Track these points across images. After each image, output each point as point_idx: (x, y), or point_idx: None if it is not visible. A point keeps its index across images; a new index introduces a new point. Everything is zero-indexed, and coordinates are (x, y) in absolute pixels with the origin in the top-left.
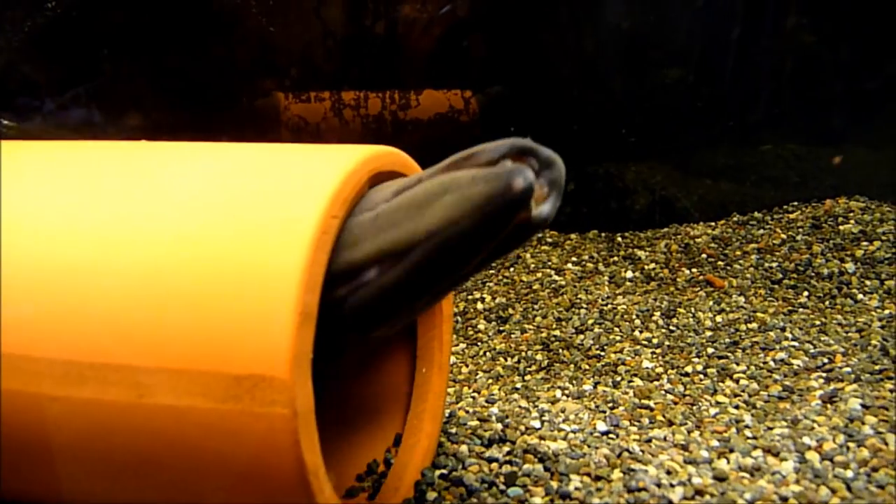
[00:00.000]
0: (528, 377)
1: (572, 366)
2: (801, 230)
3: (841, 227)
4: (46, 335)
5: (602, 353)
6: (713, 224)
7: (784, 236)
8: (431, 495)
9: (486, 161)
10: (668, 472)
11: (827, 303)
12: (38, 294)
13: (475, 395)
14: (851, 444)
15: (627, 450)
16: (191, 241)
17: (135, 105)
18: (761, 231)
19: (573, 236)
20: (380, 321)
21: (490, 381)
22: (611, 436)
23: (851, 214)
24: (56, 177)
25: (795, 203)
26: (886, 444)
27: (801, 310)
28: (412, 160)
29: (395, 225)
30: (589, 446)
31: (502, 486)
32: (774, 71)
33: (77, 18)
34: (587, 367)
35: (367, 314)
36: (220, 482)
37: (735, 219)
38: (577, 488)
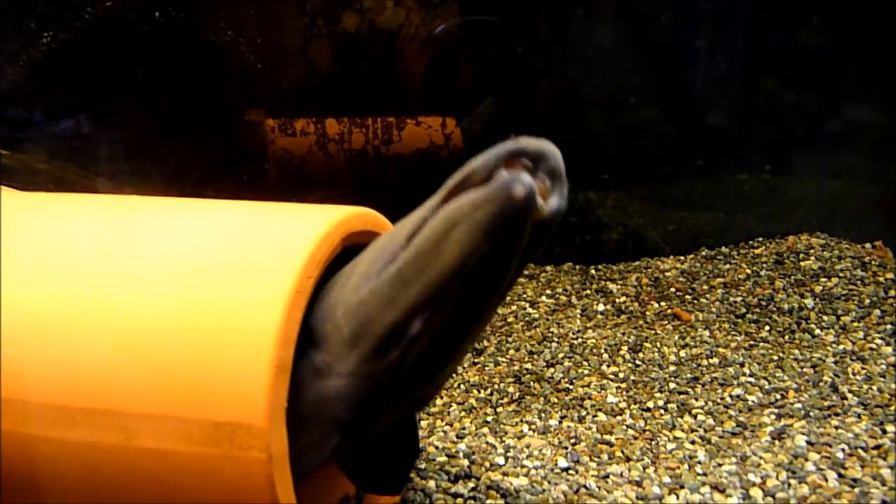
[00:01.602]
0: (499, 409)
1: (542, 398)
2: (764, 265)
3: (802, 264)
4: (41, 382)
5: (570, 387)
6: (682, 258)
7: (749, 271)
8: None
9: (481, 179)
10: None
11: (786, 337)
12: (35, 344)
13: (447, 428)
14: (793, 481)
15: (585, 486)
16: (176, 299)
17: (128, 135)
18: (727, 266)
19: (549, 268)
20: (441, 365)
21: (463, 413)
22: (570, 472)
23: (812, 251)
24: (50, 233)
25: (761, 238)
26: (826, 480)
27: (761, 344)
28: (384, 218)
29: (421, 272)
30: (549, 482)
31: None
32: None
33: (71, 51)
34: (556, 400)
35: (427, 364)
36: None
37: (703, 253)
38: None
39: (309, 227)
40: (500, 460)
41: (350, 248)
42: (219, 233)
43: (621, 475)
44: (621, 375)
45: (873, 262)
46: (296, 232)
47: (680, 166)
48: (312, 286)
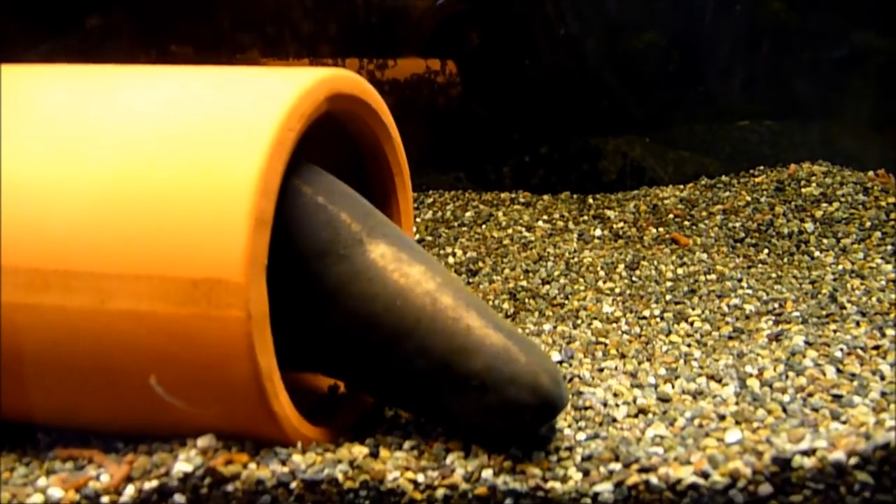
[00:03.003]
0: None
1: (537, 312)
2: (765, 192)
3: (803, 190)
4: (11, 244)
5: (566, 302)
6: (682, 187)
7: (749, 198)
8: (388, 413)
9: None
10: (615, 395)
11: (785, 259)
12: (3, 206)
13: None
14: (791, 374)
15: (578, 376)
16: (149, 151)
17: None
18: (727, 193)
19: (545, 197)
20: None
21: None
22: (564, 364)
23: (814, 178)
24: (19, 97)
25: (761, 168)
26: (824, 374)
27: (759, 265)
28: (369, 86)
29: None
30: None
31: None
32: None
33: None
34: (550, 313)
35: None
36: (179, 386)
37: (703, 182)
38: None
39: (291, 81)
40: None
41: (339, 124)
42: (199, 89)
43: (616, 368)
44: (617, 290)
45: (875, 188)
46: (278, 86)
47: (681, 109)
48: (295, 139)
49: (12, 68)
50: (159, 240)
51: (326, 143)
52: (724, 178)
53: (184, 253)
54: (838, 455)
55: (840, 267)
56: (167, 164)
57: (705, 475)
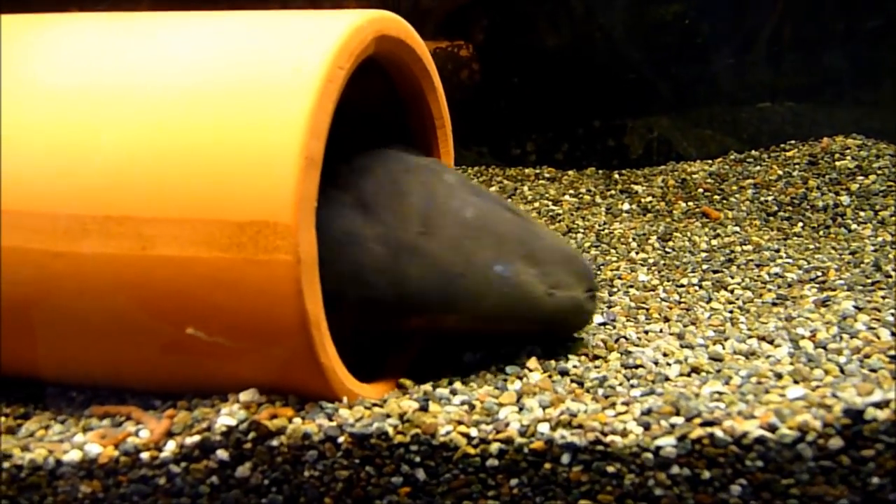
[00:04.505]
0: None
1: None
2: (797, 166)
3: (837, 163)
4: (48, 190)
5: (598, 272)
6: (710, 161)
7: (780, 172)
8: (431, 371)
9: None
10: (665, 354)
11: (821, 232)
12: (39, 150)
13: None
14: (844, 336)
15: (625, 336)
16: (193, 91)
17: None
18: (758, 168)
19: (570, 173)
20: None
21: None
22: (608, 326)
23: (848, 151)
24: (57, 41)
25: (793, 141)
26: (878, 337)
27: (795, 238)
28: (414, 32)
29: None
30: (586, 333)
31: (501, 364)
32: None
33: None
34: None
35: None
36: (224, 335)
37: (732, 157)
38: (574, 366)
39: (340, 20)
40: None
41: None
42: (246, 28)
43: (661, 331)
44: (651, 260)
45: None
46: (327, 24)
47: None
48: (345, 77)
49: (51, 17)
50: (203, 182)
51: (368, 91)
52: (753, 152)
53: (229, 195)
54: None
55: (880, 239)
56: (212, 105)
57: (773, 428)
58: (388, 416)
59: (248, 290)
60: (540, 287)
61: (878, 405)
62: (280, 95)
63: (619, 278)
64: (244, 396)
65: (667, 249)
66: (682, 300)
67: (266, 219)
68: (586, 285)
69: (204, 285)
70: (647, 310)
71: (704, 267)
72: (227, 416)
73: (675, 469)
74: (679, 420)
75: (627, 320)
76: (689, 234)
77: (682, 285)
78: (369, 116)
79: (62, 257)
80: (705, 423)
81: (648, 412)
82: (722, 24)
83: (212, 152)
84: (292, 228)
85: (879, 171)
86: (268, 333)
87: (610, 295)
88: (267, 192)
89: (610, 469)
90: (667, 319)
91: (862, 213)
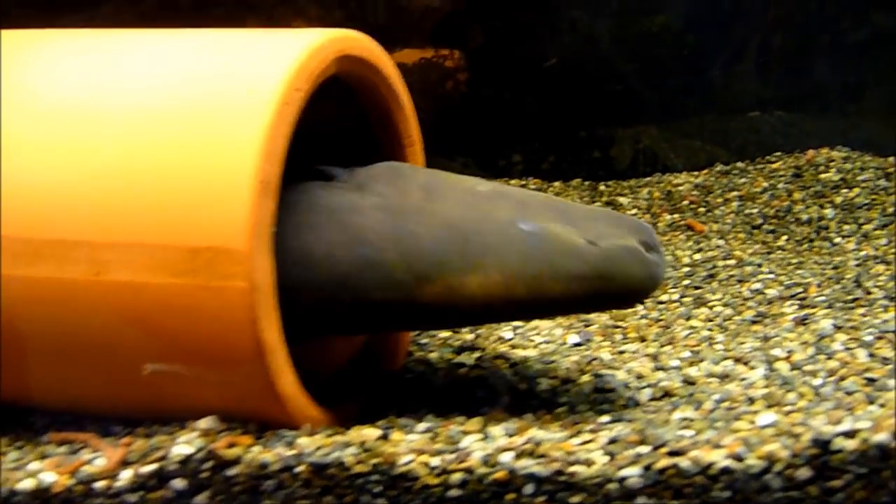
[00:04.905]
0: None
1: None
2: (782, 178)
3: (822, 176)
4: (2, 213)
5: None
6: (696, 173)
7: (766, 184)
8: (400, 397)
9: None
10: (638, 377)
11: (805, 246)
12: None
13: None
14: (821, 357)
15: (598, 358)
16: (149, 113)
17: None
18: (743, 180)
19: (556, 184)
20: None
21: None
22: (582, 347)
23: (833, 164)
24: (17, 63)
25: (778, 154)
26: (855, 358)
27: (778, 251)
28: (381, 49)
29: None
30: (559, 355)
31: (471, 388)
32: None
33: None
34: None
35: None
36: (178, 362)
37: (718, 168)
38: (544, 390)
39: (300, 39)
40: (508, 335)
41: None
42: (202, 49)
43: (636, 351)
44: None
45: None
46: (285, 44)
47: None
48: (303, 100)
49: (11, 33)
50: (158, 206)
51: (335, 111)
52: (739, 164)
53: (183, 219)
54: (882, 436)
55: (863, 253)
56: (167, 127)
57: (739, 458)
58: (349, 444)
59: (202, 317)
60: (579, 239)
61: (847, 435)
62: (235, 117)
63: None
64: (203, 424)
65: None
66: (662, 317)
67: (220, 244)
68: (640, 237)
69: (158, 311)
70: (625, 328)
71: (686, 283)
72: (185, 445)
73: (641, 500)
74: (645, 449)
75: (603, 340)
76: (672, 247)
77: (663, 302)
78: (342, 135)
79: (15, 281)
80: (672, 453)
81: (614, 441)
82: (709, 34)
83: (166, 175)
84: (246, 255)
85: (864, 185)
86: (224, 361)
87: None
88: (220, 217)
89: (574, 500)
90: (643, 339)
91: (846, 227)
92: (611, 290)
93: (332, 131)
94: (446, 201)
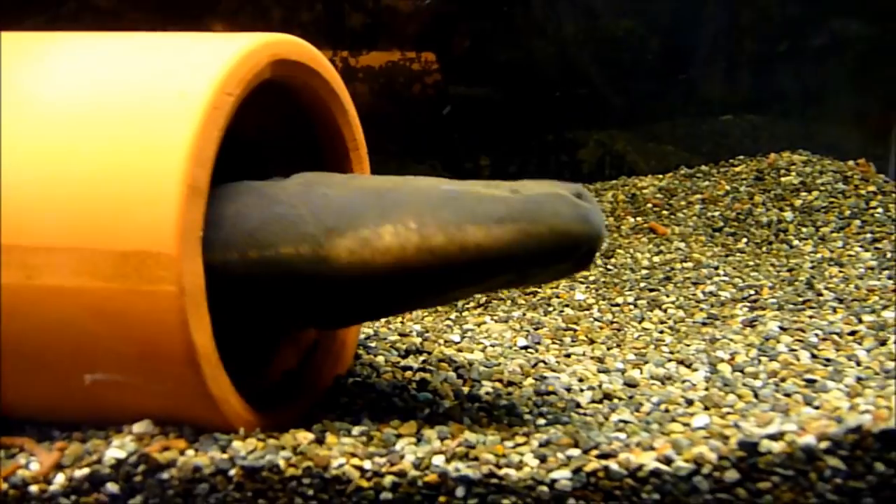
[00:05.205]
0: (465, 312)
1: (508, 301)
2: (744, 181)
3: (782, 179)
4: None
5: (539, 290)
6: (661, 176)
7: (728, 187)
8: (343, 400)
9: None
10: (580, 380)
11: (763, 248)
12: None
13: (404, 319)
14: (763, 359)
15: (543, 361)
16: (79, 116)
17: None
18: (706, 183)
19: None
20: None
21: (425, 313)
22: (529, 350)
23: (793, 167)
24: None
25: (741, 157)
26: (798, 359)
27: (737, 254)
28: (318, 53)
29: None
30: (505, 358)
31: (413, 392)
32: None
33: None
34: (523, 301)
35: None
36: (111, 367)
37: (683, 172)
38: (487, 393)
39: (231, 45)
40: (456, 338)
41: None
42: (133, 52)
43: (583, 354)
44: (591, 278)
45: (855, 177)
46: (216, 48)
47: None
48: (234, 104)
49: None
50: (88, 209)
51: (276, 115)
52: (703, 167)
53: (113, 223)
54: (808, 439)
55: (819, 255)
56: (97, 130)
57: (668, 461)
58: (282, 447)
59: (133, 322)
60: (502, 192)
61: (774, 437)
62: (164, 121)
63: (557, 297)
64: (138, 428)
65: (608, 267)
66: (615, 320)
67: (148, 248)
68: (569, 190)
69: (90, 316)
70: (576, 331)
71: (642, 285)
72: (118, 449)
73: (571, 502)
74: (576, 452)
75: (552, 342)
76: (632, 250)
77: (618, 304)
78: (279, 139)
79: None
80: (601, 456)
81: (546, 444)
82: (674, 39)
83: (96, 179)
84: (175, 259)
85: (822, 188)
86: (156, 365)
87: (544, 314)
88: (149, 222)
89: (505, 502)
90: (592, 342)
91: (804, 229)
92: (542, 234)
93: (278, 139)
94: (362, 179)
